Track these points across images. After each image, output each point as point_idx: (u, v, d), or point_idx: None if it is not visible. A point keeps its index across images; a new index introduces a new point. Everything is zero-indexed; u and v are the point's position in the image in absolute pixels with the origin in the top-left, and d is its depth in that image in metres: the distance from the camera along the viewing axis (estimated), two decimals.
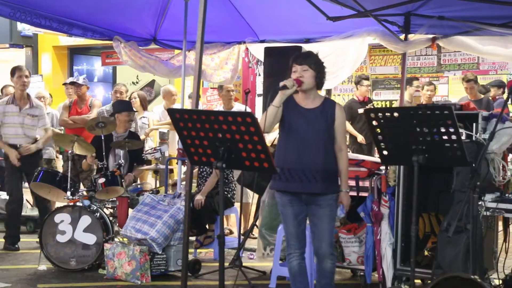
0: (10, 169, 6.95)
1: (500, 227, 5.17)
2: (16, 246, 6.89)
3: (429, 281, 4.62)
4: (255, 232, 6.39)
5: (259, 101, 11.09)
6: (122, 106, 7.05)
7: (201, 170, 6.68)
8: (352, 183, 5.21)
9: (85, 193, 6.32)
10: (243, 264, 5.69)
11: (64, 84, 8.89)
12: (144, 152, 7.14)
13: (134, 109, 8.25)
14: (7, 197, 7.78)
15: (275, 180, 4.31)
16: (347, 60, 6.99)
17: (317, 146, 4.18)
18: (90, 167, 7.10)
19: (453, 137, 3.83)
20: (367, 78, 9.63)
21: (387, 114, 4.01)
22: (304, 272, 4.37)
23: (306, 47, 6.44)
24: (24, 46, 14.91)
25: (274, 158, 4.29)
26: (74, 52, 15.20)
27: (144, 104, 8.87)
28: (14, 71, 6.98)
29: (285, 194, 4.28)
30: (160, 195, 6.15)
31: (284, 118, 4.23)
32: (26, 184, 7.05)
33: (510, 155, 5.24)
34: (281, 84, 4.11)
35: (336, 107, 4.27)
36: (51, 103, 9.49)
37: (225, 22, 7.10)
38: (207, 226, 6.49)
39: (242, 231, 6.70)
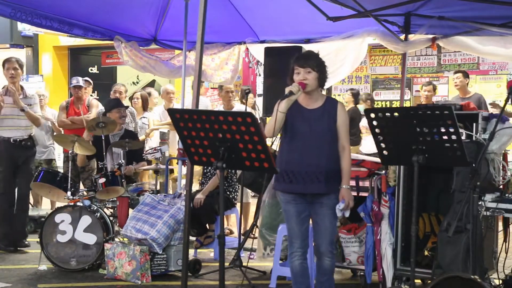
0: (4, 164, 6.75)
1: (500, 227, 5.17)
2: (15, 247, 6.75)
3: (429, 281, 4.62)
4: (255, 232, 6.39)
5: (259, 101, 11.09)
6: (111, 104, 7.04)
7: (205, 170, 6.68)
8: (352, 183, 5.18)
9: (85, 193, 6.32)
10: (243, 264, 5.69)
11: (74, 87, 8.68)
12: (144, 152, 7.13)
13: (133, 109, 8.26)
14: None
15: (278, 181, 4.30)
16: (346, 59, 6.99)
17: (319, 147, 4.15)
18: (85, 163, 7.08)
19: (453, 137, 3.83)
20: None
21: (387, 114, 4.01)
22: (306, 272, 4.34)
23: (306, 47, 6.44)
24: (24, 46, 14.92)
25: (276, 159, 4.31)
26: (75, 52, 15.21)
27: (146, 104, 8.88)
28: (4, 63, 6.87)
29: (288, 193, 4.26)
30: (160, 195, 6.16)
31: (287, 120, 4.20)
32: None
33: None
34: (287, 90, 4.08)
35: (338, 106, 4.25)
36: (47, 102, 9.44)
37: (225, 23, 7.10)
38: (207, 226, 6.49)
39: (242, 231, 6.71)
